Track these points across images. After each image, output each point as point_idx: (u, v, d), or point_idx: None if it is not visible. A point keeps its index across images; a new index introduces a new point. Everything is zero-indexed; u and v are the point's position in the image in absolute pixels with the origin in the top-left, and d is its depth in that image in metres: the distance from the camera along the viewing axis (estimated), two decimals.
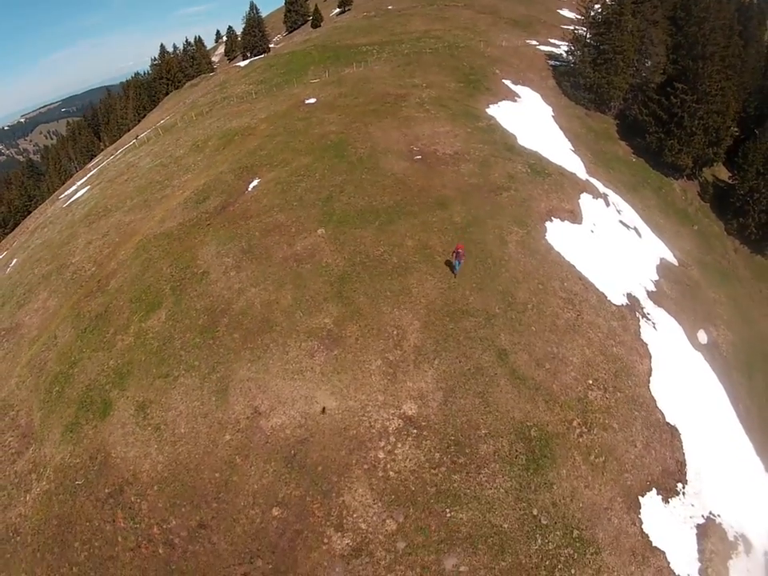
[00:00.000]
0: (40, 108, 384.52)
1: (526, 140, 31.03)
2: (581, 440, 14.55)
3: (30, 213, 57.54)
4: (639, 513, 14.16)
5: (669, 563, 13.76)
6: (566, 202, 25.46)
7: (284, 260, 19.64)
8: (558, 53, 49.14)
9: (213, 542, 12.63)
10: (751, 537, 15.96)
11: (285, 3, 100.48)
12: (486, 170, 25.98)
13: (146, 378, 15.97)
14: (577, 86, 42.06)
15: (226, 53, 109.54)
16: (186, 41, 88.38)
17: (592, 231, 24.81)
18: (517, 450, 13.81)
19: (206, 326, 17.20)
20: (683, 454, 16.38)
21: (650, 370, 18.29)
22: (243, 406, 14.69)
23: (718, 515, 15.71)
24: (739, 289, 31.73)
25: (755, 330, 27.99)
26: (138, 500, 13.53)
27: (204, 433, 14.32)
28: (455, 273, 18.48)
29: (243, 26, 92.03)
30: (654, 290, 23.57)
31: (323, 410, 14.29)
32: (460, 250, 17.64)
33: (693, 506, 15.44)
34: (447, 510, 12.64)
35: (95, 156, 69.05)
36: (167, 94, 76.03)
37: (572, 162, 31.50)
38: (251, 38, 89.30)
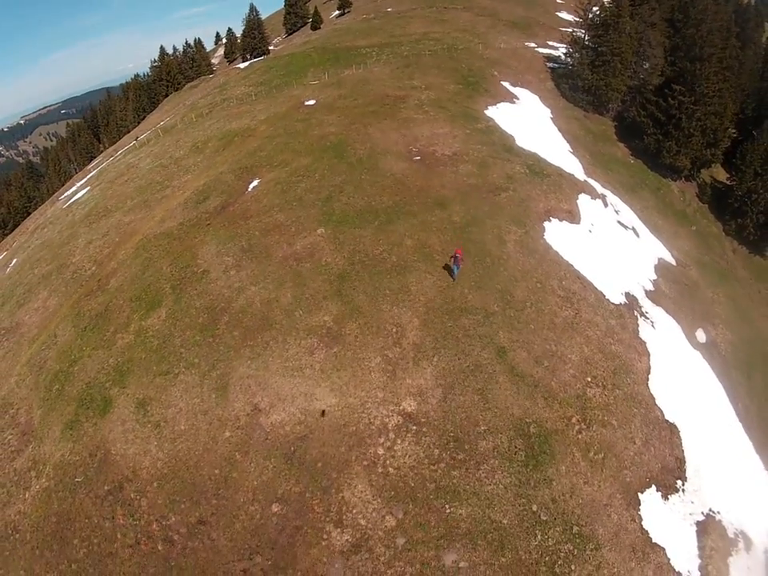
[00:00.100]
0: (39, 109, 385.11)
1: (524, 141, 31.16)
2: (580, 437, 14.60)
3: (29, 214, 57.62)
4: (639, 509, 14.19)
5: (669, 560, 13.79)
6: (564, 203, 25.56)
7: (284, 259, 19.71)
8: (557, 55, 49.36)
9: (212, 538, 12.65)
10: (751, 534, 15.98)
11: (284, 5, 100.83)
12: (485, 171, 26.09)
13: (146, 376, 16.01)
14: (575, 87, 42.21)
15: (226, 55, 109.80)
16: (186, 42, 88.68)
17: (590, 231, 24.90)
18: (516, 447, 13.86)
19: (206, 324, 17.25)
20: (682, 451, 16.42)
21: (649, 368, 18.35)
22: (243, 403, 14.73)
23: (718, 512, 15.74)
24: (738, 289, 31.81)
25: (754, 329, 28.06)
26: (138, 497, 13.56)
27: (204, 430, 14.35)
28: (454, 277, 18.41)
29: (243, 27, 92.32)
30: (653, 289, 23.65)
31: (323, 413, 14.28)
32: (458, 255, 17.62)
33: (692, 503, 15.48)
34: (447, 506, 12.68)
35: (95, 157, 69.18)
36: (167, 95, 76.33)
37: (570, 163, 31.62)
38: (251, 40, 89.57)
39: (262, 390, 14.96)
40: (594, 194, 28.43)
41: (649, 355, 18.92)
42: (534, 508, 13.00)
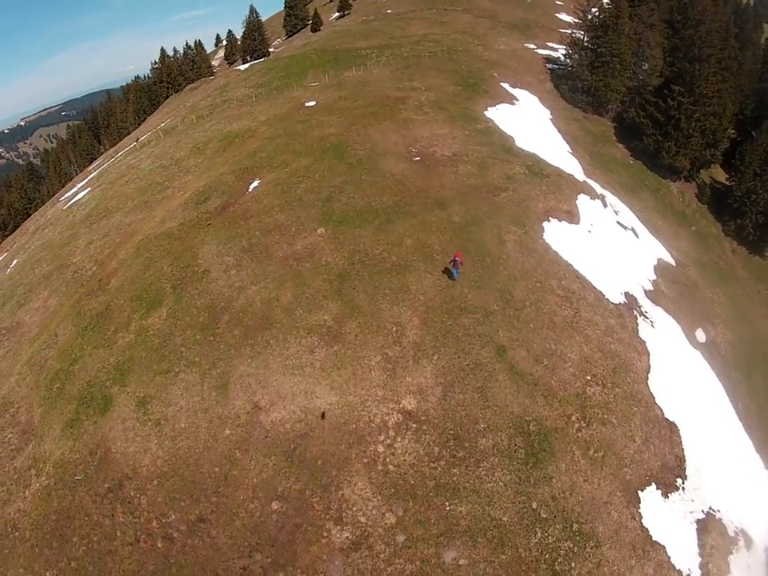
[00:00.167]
0: (40, 111, 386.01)
1: (523, 142, 31.25)
2: (579, 435, 14.62)
3: (29, 215, 57.69)
4: (639, 507, 14.20)
5: (669, 557, 13.79)
6: (563, 203, 25.62)
7: (284, 259, 19.77)
8: (556, 56, 49.53)
9: (212, 535, 12.67)
10: (752, 533, 15.98)
11: (285, 7, 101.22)
12: (484, 171, 26.17)
13: (147, 374, 16.04)
14: (574, 88, 42.35)
15: (226, 56, 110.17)
16: (186, 44, 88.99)
17: (589, 231, 24.95)
18: (516, 444, 13.88)
19: (207, 323, 17.30)
20: (682, 449, 16.43)
21: (649, 366, 18.38)
22: (243, 401, 14.76)
23: (718, 511, 15.74)
24: (737, 289, 31.87)
25: (754, 329, 28.10)
26: (138, 494, 13.57)
27: (204, 428, 14.38)
28: (453, 278, 18.31)
29: (243, 29, 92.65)
30: (652, 289, 23.69)
31: (323, 416, 14.27)
32: (458, 258, 17.53)
33: (692, 501, 15.48)
34: (446, 504, 12.70)
35: (95, 159, 69.32)
36: (167, 97, 76.48)
37: (570, 164, 31.70)
38: (251, 42, 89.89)
39: (262, 388, 15.00)
40: (594, 195, 28.49)
41: (648, 354, 18.94)
42: (534, 505, 13.02)
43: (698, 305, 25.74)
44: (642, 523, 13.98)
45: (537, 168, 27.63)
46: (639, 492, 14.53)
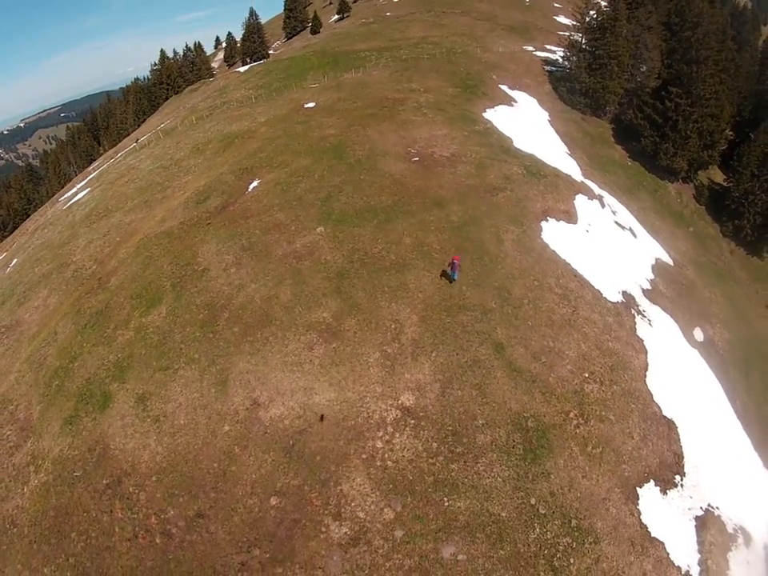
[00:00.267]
0: (39, 112, 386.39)
1: (522, 143, 31.41)
2: (578, 431, 14.67)
3: (29, 216, 57.69)
4: (637, 504, 14.21)
5: (668, 554, 13.78)
6: (561, 203, 25.73)
7: (283, 257, 19.84)
8: (554, 58, 49.81)
9: (210, 531, 12.67)
10: (751, 530, 15.99)
11: (284, 10, 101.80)
12: (483, 172, 26.29)
13: (146, 371, 16.08)
14: (573, 90, 42.60)
15: (226, 58, 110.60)
16: (186, 46, 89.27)
17: (587, 231, 25.05)
18: (514, 440, 13.92)
19: (206, 320, 17.35)
20: (680, 446, 16.46)
21: (646, 364, 18.43)
22: (242, 398, 14.80)
23: (717, 508, 15.75)
24: (735, 289, 31.98)
25: (752, 329, 28.19)
26: (136, 491, 13.58)
27: (203, 424, 14.41)
28: (452, 283, 18.13)
29: (243, 31, 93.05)
30: (650, 288, 23.77)
31: (321, 418, 14.23)
32: (456, 261, 17.42)
33: (691, 498, 15.50)
34: (445, 499, 12.72)
35: (94, 160, 69.42)
36: (167, 98, 76.70)
37: (568, 165, 31.85)
38: (251, 44, 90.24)
39: (261, 384, 15.04)
40: (591, 195, 28.61)
41: (646, 352, 19.00)
42: (533, 501, 13.04)
43: (696, 304, 25.82)
44: (640, 519, 13.99)
45: (535, 168, 27.76)
46: (638, 488, 14.55)
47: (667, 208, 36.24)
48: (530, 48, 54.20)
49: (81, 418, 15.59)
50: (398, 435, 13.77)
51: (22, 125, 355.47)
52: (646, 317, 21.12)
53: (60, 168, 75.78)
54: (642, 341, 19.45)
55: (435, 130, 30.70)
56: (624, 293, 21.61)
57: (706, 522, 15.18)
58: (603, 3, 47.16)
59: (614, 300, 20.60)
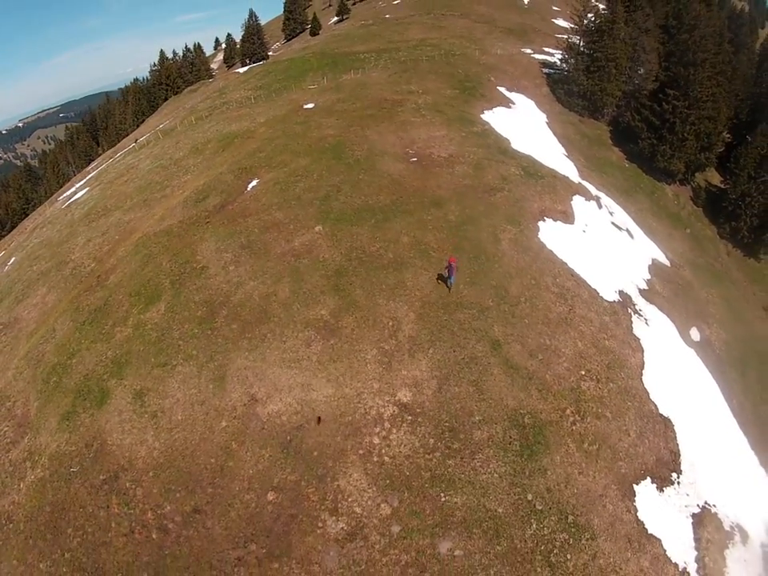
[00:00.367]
0: (38, 113, 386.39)
1: (519, 144, 31.56)
2: (574, 428, 14.72)
3: (27, 215, 57.65)
4: (634, 500, 14.25)
5: (665, 551, 13.79)
6: (558, 203, 25.86)
7: (282, 255, 19.90)
8: (552, 61, 50.04)
9: (207, 526, 12.68)
10: (747, 528, 16.01)
11: (284, 11, 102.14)
12: (480, 172, 26.41)
13: (144, 367, 16.10)
14: (570, 93, 42.81)
15: (225, 60, 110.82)
16: (186, 47, 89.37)
17: (584, 231, 25.17)
18: (511, 437, 13.97)
19: (205, 317, 17.38)
20: (677, 444, 16.52)
21: (643, 363, 18.50)
22: (240, 394, 14.83)
23: (714, 505, 15.79)
24: (732, 290, 32.09)
25: (749, 329, 28.26)
26: (133, 486, 13.58)
27: (201, 419, 14.43)
28: (449, 286, 17.98)
29: (242, 33, 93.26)
30: (646, 288, 23.87)
31: (318, 421, 14.18)
32: (453, 263, 17.21)
33: (688, 495, 15.54)
34: (442, 495, 12.75)
35: (93, 160, 69.43)
36: (166, 99, 76.79)
37: (565, 166, 32.00)
38: (250, 46, 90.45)
39: (259, 380, 15.07)
40: (589, 196, 28.75)
41: (643, 351, 19.08)
42: (529, 497, 13.08)
43: (693, 304, 25.93)
44: (637, 516, 14.02)
45: (532, 169, 27.90)
46: (634, 485, 14.60)
47: (664, 210, 36.39)
48: (528, 50, 54.48)
49: (78, 414, 15.60)
50: (395, 431, 13.80)
51: (20, 125, 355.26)
52: (642, 316, 21.21)
53: (59, 168, 75.80)
54: (639, 340, 19.54)
55: (433, 131, 30.84)
56: (620, 292, 21.71)
57: (703, 520, 15.22)
58: (601, 6, 47.47)
59: (610, 299, 20.69)
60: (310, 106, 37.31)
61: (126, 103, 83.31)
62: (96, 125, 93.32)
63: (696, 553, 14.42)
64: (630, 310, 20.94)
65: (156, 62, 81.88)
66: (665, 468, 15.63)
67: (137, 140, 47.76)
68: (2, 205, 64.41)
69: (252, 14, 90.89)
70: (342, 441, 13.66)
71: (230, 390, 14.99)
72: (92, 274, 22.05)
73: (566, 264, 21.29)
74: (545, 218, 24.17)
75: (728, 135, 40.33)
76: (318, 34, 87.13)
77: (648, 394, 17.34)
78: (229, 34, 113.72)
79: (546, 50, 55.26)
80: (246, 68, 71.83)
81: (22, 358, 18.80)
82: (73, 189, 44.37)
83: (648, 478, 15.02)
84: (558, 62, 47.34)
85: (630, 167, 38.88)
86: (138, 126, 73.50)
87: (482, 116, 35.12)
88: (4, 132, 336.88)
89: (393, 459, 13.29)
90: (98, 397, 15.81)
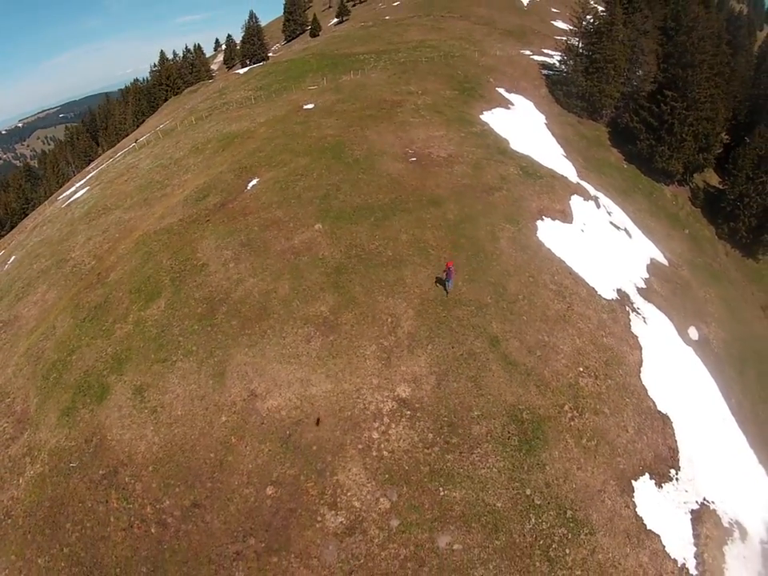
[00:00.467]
0: (38, 113, 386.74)
1: (518, 145, 31.70)
2: (572, 423, 14.76)
3: (26, 215, 57.67)
4: (633, 496, 14.27)
5: (664, 546, 13.79)
6: (556, 203, 25.97)
7: (282, 253, 19.98)
8: (551, 62, 50.26)
9: (206, 520, 12.70)
10: (746, 525, 16.00)
11: (284, 13, 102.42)
12: (479, 172, 26.53)
13: (144, 363, 16.14)
14: (569, 94, 42.98)
15: (225, 61, 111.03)
16: (186, 48, 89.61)
17: (582, 230, 25.26)
18: (509, 432, 14.01)
19: (205, 313, 17.44)
20: (675, 441, 16.55)
21: (641, 360, 18.56)
22: (240, 389, 14.87)
23: (712, 502, 15.80)
24: (731, 290, 32.19)
25: (747, 328, 28.33)
26: (132, 481, 13.61)
27: (200, 415, 14.47)
28: (447, 290, 17.97)
29: (242, 34, 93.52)
30: (644, 287, 23.95)
31: (317, 422, 14.16)
32: (450, 267, 17.21)
33: (686, 491, 15.56)
34: (441, 489, 12.78)
35: (93, 160, 69.51)
36: (166, 100, 76.94)
37: (563, 166, 32.12)
38: (250, 47, 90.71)
39: (258, 376, 15.12)
40: (587, 196, 28.86)
41: (641, 349, 19.14)
42: (528, 492, 13.12)
43: (691, 303, 26.01)
44: (636, 512, 14.04)
45: (531, 169, 28.01)
46: (633, 481, 14.63)
47: (663, 210, 36.50)
48: (528, 52, 54.72)
49: (78, 410, 15.63)
50: (394, 426, 13.85)
51: (20, 125, 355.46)
52: (640, 314, 21.28)
53: (58, 168, 75.90)
54: (637, 337, 19.60)
55: (432, 131, 30.98)
56: (619, 291, 21.78)
57: (702, 516, 15.23)
58: (600, 8, 47.74)
59: (608, 297, 20.76)
60: (310, 106, 37.45)
61: (126, 103, 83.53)
62: (96, 125, 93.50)
63: (695, 549, 14.42)
64: (628, 308, 21.01)
65: (156, 63, 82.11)
66: (663, 464, 15.66)
67: (137, 140, 47.84)
68: (2, 204, 64.44)
69: (252, 15, 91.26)
70: (341, 435, 13.70)
71: (229, 385, 15.03)
72: (92, 271, 22.11)
73: (564, 262, 21.38)
74: (543, 217, 24.27)
75: (726, 136, 40.47)
76: (318, 35, 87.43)
77: (646, 391, 17.39)
78: (229, 35, 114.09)
79: (545, 51, 55.52)
80: (246, 69, 72.06)
81: (21, 354, 18.83)
82: (73, 188, 44.44)
83: (646, 474, 15.06)
84: (557, 64, 47.57)
85: (628, 168, 39.03)
86: (138, 126, 73.65)
87: (481, 116, 35.26)
88: (4, 132, 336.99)
89: (392, 454, 13.33)
90: (97, 392, 15.85)
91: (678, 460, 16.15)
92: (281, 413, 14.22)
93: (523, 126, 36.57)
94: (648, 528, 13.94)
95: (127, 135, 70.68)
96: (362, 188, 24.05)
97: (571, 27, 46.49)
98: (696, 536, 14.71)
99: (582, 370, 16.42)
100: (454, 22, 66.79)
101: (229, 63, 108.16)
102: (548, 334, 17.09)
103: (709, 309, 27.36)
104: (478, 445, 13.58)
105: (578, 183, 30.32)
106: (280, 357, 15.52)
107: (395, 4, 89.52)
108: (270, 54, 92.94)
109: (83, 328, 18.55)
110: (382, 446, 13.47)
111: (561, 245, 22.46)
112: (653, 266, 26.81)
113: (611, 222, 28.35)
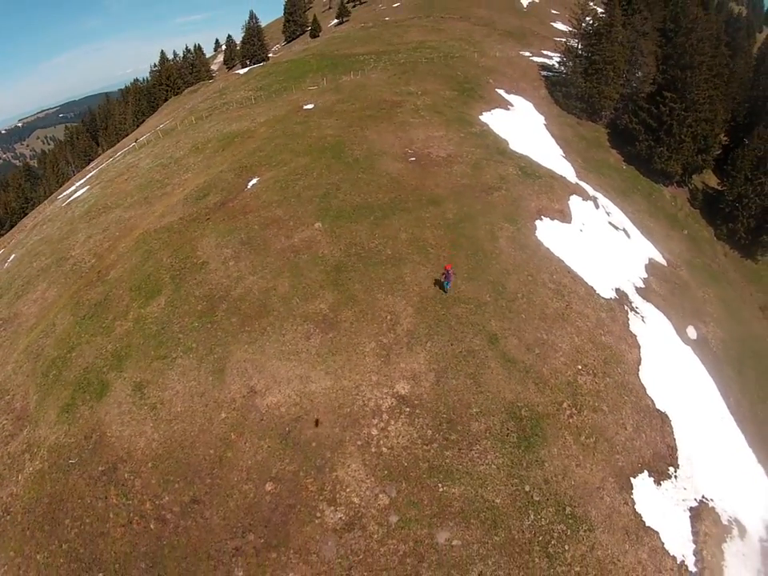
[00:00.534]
0: (38, 113, 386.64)
1: (517, 145, 31.80)
2: (571, 421, 14.81)
3: (26, 215, 57.68)
4: (631, 493, 14.32)
5: (663, 543, 13.84)
6: (555, 203, 26.05)
7: (282, 251, 20.03)
8: (551, 63, 50.43)
9: (205, 516, 12.71)
10: (745, 523, 16.05)
11: (284, 13, 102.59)
12: (478, 172, 26.62)
13: (144, 360, 16.17)
14: (569, 95, 43.09)
15: (225, 61, 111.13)
16: (186, 48, 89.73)
17: (581, 230, 25.34)
18: (508, 429, 14.06)
19: (205, 311, 17.48)
20: (674, 439, 16.60)
21: (639, 359, 18.63)
22: (239, 386, 14.90)
23: (711, 500, 15.84)
24: (729, 290, 32.26)
25: (746, 328, 28.39)
26: (132, 477, 13.62)
27: (200, 411, 14.49)
28: (446, 291, 17.99)
29: (243, 35, 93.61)
30: (643, 286, 24.03)
31: (316, 423, 14.15)
32: (449, 269, 17.28)
33: (685, 489, 15.61)
34: (440, 485, 12.82)
35: (93, 160, 69.55)
36: (166, 100, 77.04)
37: (563, 167, 32.23)
38: (250, 47, 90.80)
39: (258, 372, 15.15)
40: (586, 196, 28.95)
41: (639, 347, 19.20)
42: (527, 488, 13.15)
43: (689, 303, 26.08)
44: (635, 509, 14.09)
45: (530, 169, 28.11)
46: (632, 478, 14.67)
47: (662, 211, 36.60)
48: (527, 53, 54.88)
49: (78, 407, 15.64)
50: (393, 422, 13.88)
51: (20, 125, 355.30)
52: (639, 313, 21.35)
53: (58, 168, 75.96)
54: (635, 336, 19.67)
55: (432, 132, 31.07)
56: (617, 290, 21.86)
57: (701, 513, 15.27)
58: (599, 10, 47.89)
59: (607, 296, 20.83)
60: (310, 106, 37.53)
61: (126, 103, 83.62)
62: (96, 125, 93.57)
63: (694, 546, 14.46)
64: (626, 308, 21.08)
65: (156, 63, 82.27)
66: (662, 462, 15.71)
67: (137, 139, 47.90)
68: (1, 204, 64.50)
69: (252, 16, 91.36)
70: (341, 432, 13.73)
71: (229, 382, 15.06)
72: (92, 269, 22.13)
73: (562, 261, 21.46)
74: (542, 216, 24.35)
75: (725, 137, 40.57)
76: (318, 36, 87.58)
77: (645, 389, 17.45)
78: (229, 36, 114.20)
79: (545, 52, 55.70)
80: (246, 69, 72.21)
81: (21, 352, 18.84)
82: (73, 187, 44.44)
83: (645, 472, 15.11)
84: (557, 65, 47.71)
85: (627, 169, 39.12)
86: (138, 126, 73.72)
87: (480, 117, 35.36)
88: (3, 132, 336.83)
89: (391, 450, 13.37)
90: (97, 389, 15.86)
91: (677, 458, 16.21)
92: (280, 409, 14.24)
93: (522, 126, 36.68)
94: (647, 525, 13.99)
95: (127, 135, 70.75)
96: (362, 187, 24.13)
97: (570, 29, 46.63)
98: (695, 533, 14.75)
99: (580, 367, 16.48)
100: (454, 23, 66.97)
101: (229, 63, 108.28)
102: (547, 332, 17.15)
103: (707, 309, 27.42)
104: (476, 441, 13.62)
105: (577, 183, 30.42)
106: (279, 354, 15.56)
107: (395, 5, 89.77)
108: (270, 55, 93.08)
109: (83, 325, 18.56)
110: (381, 442, 13.50)
111: (559, 244, 22.54)
112: (651, 266, 26.89)
113: (610, 222, 28.43)
